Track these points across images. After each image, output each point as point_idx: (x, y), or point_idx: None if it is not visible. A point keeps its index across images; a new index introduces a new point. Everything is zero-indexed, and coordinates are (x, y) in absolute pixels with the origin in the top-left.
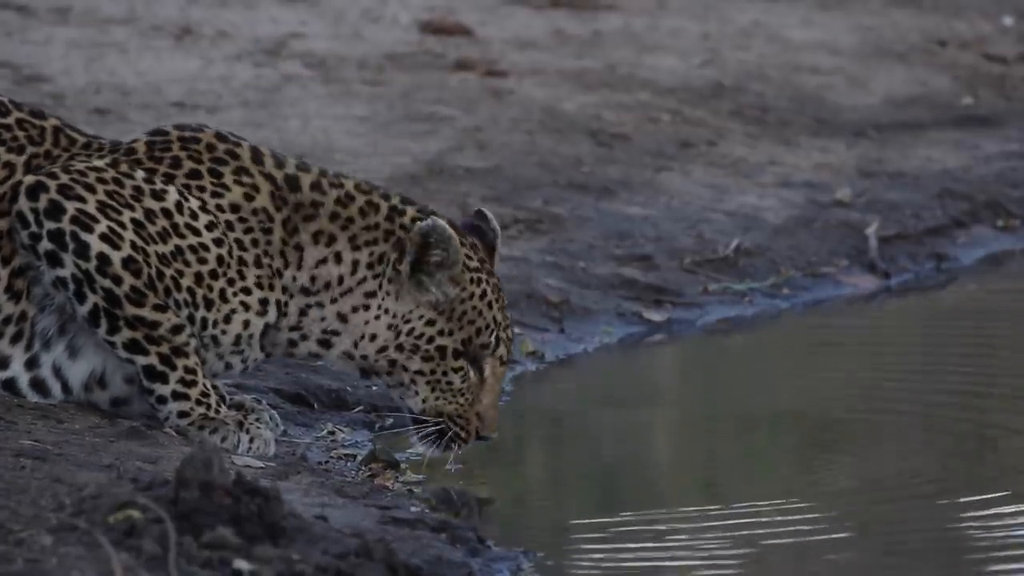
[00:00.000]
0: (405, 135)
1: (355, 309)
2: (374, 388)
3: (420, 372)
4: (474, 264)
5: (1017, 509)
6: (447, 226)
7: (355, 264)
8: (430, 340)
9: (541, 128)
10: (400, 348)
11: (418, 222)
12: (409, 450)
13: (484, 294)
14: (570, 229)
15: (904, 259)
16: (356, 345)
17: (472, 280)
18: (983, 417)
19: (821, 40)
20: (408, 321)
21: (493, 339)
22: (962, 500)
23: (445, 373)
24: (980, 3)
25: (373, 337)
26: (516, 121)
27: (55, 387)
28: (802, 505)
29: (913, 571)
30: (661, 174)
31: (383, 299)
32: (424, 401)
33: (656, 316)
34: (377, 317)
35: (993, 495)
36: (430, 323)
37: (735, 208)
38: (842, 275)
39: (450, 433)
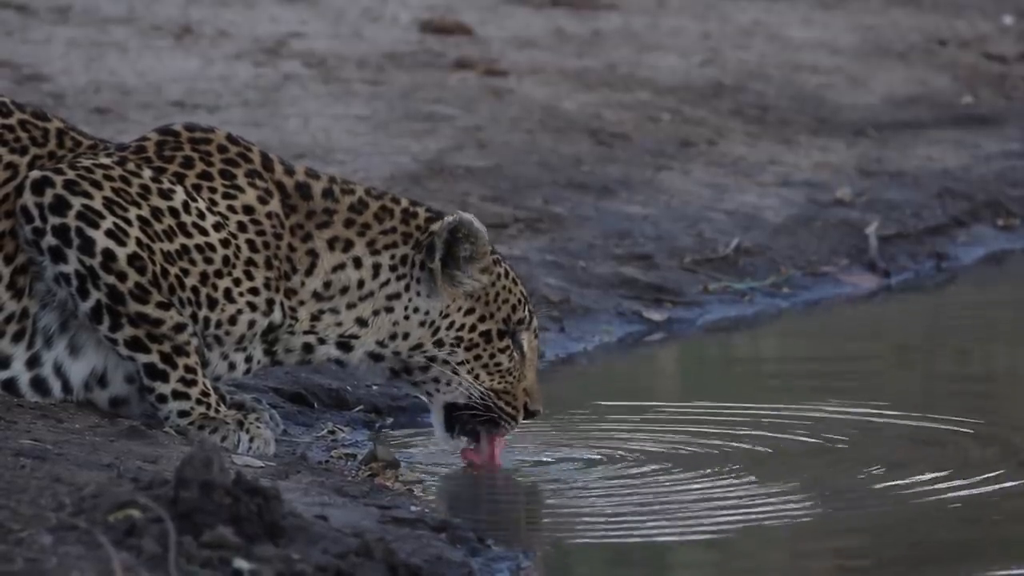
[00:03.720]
0: (405, 134)
1: (376, 312)
2: (374, 388)
3: (464, 362)
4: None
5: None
6: (473, 219)
7: (376, 268)
8: (472, 328)
9: (541, 127)
10: (439, 344)
11: (444, 218)
12: (409, 450)
13: (507, 273)
14: (570, 228)
15: (904, 258)
16: (383, 344)
17: (495, 262)
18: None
19: (821, 39)
20: (447, 316)
21: (526, 313)
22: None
23: (492, 356)
24: (980, 2)
25: (405, 336)
26: (516, 120)
27: (56, 386)
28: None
29: None
30: (661, 173)
31: (411, 299)
32: (469, 389)
33: (656, 315)
34: (407, 317)
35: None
36: (469, 312)
37: (735, 207)
38: (842, 274)
39: (498, 415)
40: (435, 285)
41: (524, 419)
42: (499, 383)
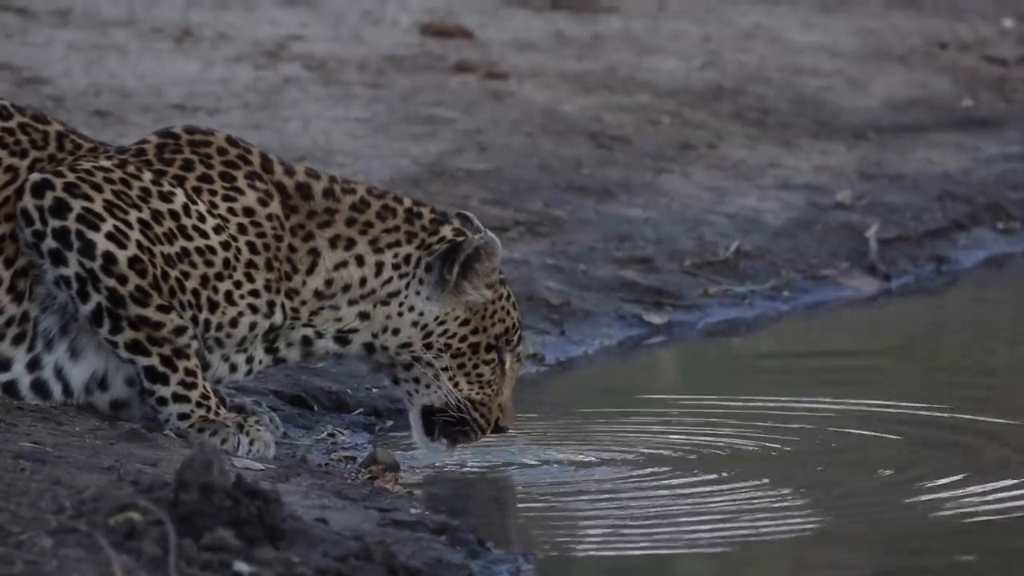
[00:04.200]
0: (405, 137)
1: (375, 306)
2: (374, 390)
3: (446, 368)
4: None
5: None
6: (496, 239)
7: (379, 266)
8: (463, 339)
9: (541, 130)
10: (428, 346)
11: (471, 235)
12: (410, 452)
13: (509, 295)
14: (570, 231)
15: (904, 261)
16: (376, 336)
17: (500, 282)
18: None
19: (822, 42)
20: (442, 323)
21: (516, 336)
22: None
23: (476, 366)
24: (980, 5)
25: (396, 332)
26: (516, 123)
27: (56, 389)
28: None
29: None
30: (661, 176)
31: (408, 297)
32: (447, 395)
33: (656, 318)
34: (400, 314)
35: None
36: (464, 323)
37: (735, 210)
38: (842, 277)
39: (470, 425)
40: (440, 293)
41: (492, 432)
42: (477, 393)
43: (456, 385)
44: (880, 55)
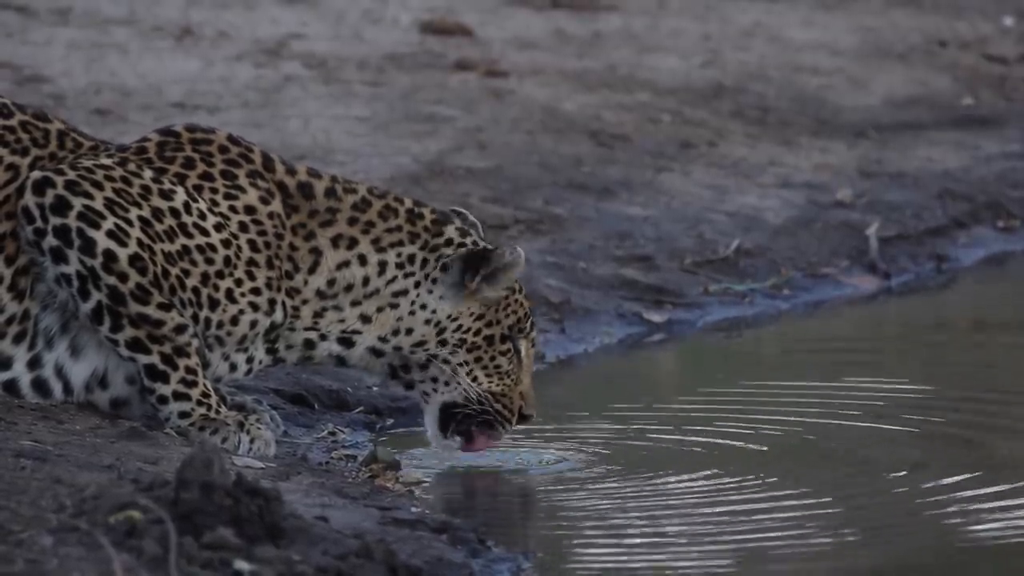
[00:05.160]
0: (405, 135)
1: (380, 309)
2: (375, 389)
3: (464, 363)
4: None
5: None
6: (523, 254)
7: (382, 265)
8: (477, 332)
9: (542, 128)
10: (443, 343)
11: (507, 251)
12: (410, 451)
13: (521, 288)
14: (570, 229)
15: (904, 259)
16: (385, 340)
17: None
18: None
19: (822, 41)
20: (455, 319)
21: (529, 323)
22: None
23: (493, 358)
24: (981, 4)
25: (409, 331)
26: (517, 121)
27: (56, 387)
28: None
29: None
30: (661, 174)
31: (419, 295)
32: (467, 389)
33: (656, 317)
34: (412, 313)
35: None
36: (479, 318)
37: (735, 208)
38: (842, 275)
39: (494, 417)
40: (459, 294)
41: (517, 423)
42: (497, 385)
43: (475, 379)
44: (880, 53)
